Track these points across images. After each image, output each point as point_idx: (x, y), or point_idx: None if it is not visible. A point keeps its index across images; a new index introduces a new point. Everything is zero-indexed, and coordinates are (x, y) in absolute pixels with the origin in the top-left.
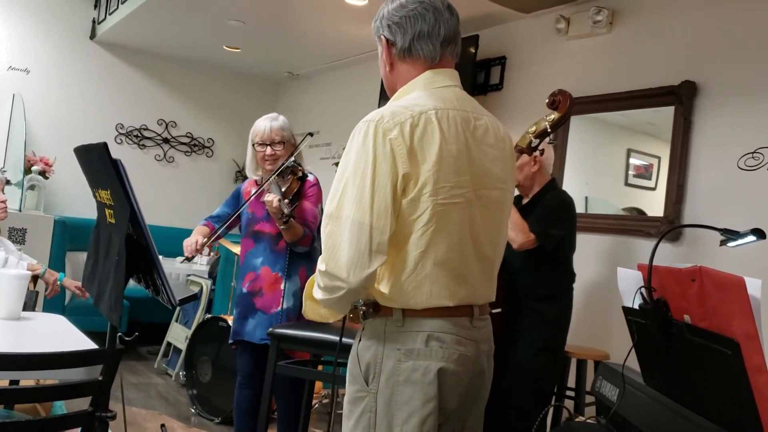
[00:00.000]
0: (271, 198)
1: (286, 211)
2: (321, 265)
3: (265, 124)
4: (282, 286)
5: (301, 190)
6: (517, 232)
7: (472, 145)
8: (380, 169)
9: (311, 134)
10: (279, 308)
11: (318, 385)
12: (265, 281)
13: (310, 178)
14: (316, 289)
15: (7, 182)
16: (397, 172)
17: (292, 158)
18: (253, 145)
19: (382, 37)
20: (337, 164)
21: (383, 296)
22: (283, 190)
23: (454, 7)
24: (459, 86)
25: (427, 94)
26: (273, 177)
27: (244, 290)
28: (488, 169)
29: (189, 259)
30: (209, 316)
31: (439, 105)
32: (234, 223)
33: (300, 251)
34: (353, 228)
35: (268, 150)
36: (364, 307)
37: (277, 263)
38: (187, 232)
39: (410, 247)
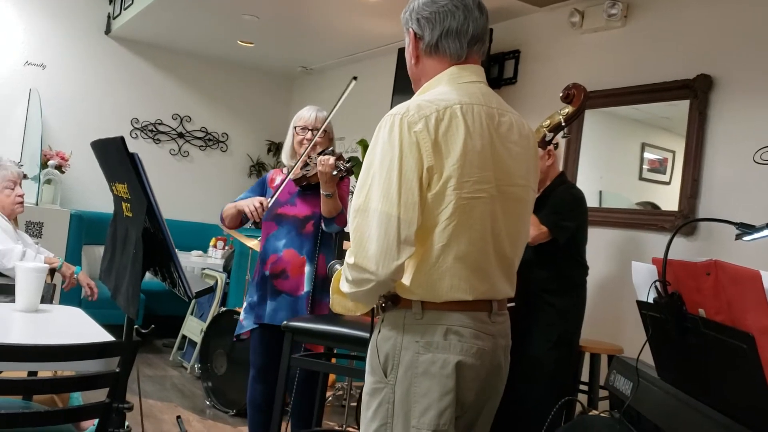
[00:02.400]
0: (327, 156)
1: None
2: (349, 258)
3: (311, 112)
4: (306, 269)
5: (343, 177)
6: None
7: (496, 141)
8: (407, 162)
9: (355, 78)
10: (305, 290)
11: (331, 378)
12: (290, 264)
13: None
14: (343, 283)
15: (24, 176)
16: (423, 164)
17: (330, 148)
18: (294, 128)
19: (411, 30)
20: (350, 158)
21: (404, 288)
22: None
23: (485, 6)
24: (484, 82)
25: (452, 88)
26: (317, 156)
27: (266, 273)
28: (511, 166)
29: (257, 223)
30: (224, 309)
31: (464, 100)
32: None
33: (333, 230)
34: (381, 220)
35: (309, 134)
36: (383, 300)
37: (303, 247)
38: (202, 226)
39: (433, 240)
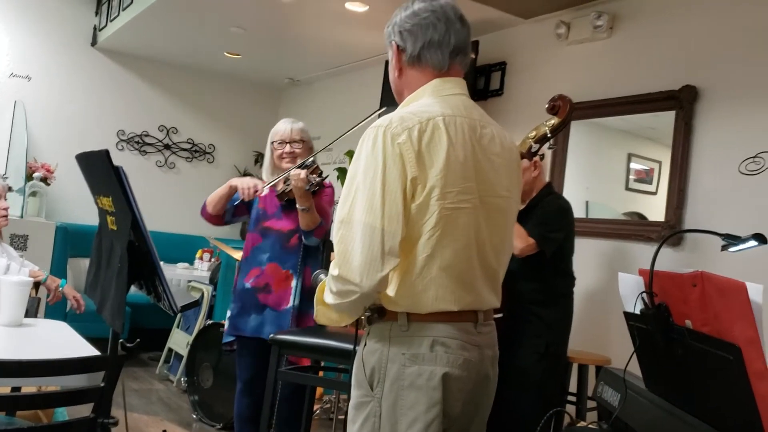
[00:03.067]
0: (298, 171)
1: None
2: (333, 269)
3: (286, 125)
4: (293, 284)
5: (317, 191)
6: (516, 238)
7: (479, 153)
8: (390, 173)
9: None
10: (289, 305)
11: (319, 391)
12: (273, 278)
13: (326, 181)
14: (327, 294)
15: (9, 189)
16: (406, 176)
17: (311, 158)
18: (272, 143)
19: (393, 42)
20: (338, 169)
21: (389, 299)
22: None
23: (466, 19)
24: (466, 95)
25: (435, 100)
26: (294, 168)
27: (247, 285)
28: (493, 177)
29: (244, 202)
30: (210, 322)
31: (447, 112)
32: (242, 211)
33: (312, 243)
34: (365, 232)
35: (287, 148)
36: (368, 312)
37: (287, 261)
38: (188, 238)
39: (417, 251)
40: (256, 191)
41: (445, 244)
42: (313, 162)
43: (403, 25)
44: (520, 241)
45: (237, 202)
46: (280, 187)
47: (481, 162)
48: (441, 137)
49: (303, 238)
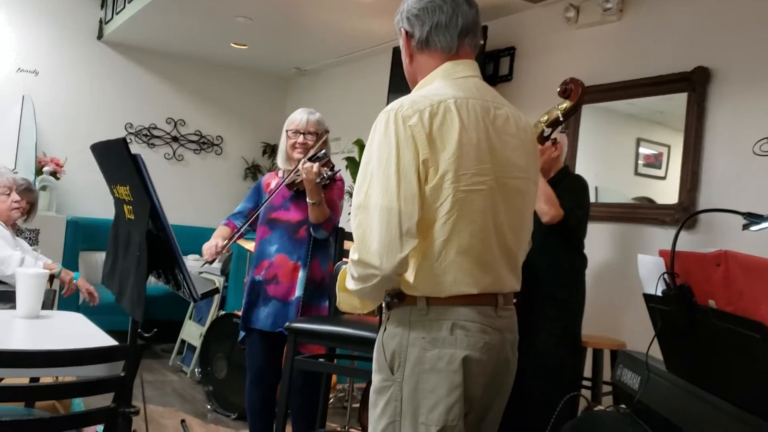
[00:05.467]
0: (310, 164)
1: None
2: (353, 254)
3: (303, 115)
4: (299, 275)
5: (328, 184)
6: (550, 205)
7: (492, 134)
8: (404, 155)
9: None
10: (295, 296)
11: (332, 379)
12: (281, 269)
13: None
14: (349, 280)
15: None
16: (419, 157)
17: (323, 151)
18: (286, 131)
19: (402, 29)
20: (347, 158)
21: (408, 284)
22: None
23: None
24: (479, 77)
25: (447, 84)
26: (305, 159)
27: (258, 278)
28: (509, 158)
29: (210, 263)
30: (223, 312)
31: (458, 94)
32: (255, 220)
33: (321, 236)
34: (382, 215)
35: (301, 138)
36: (388, 298)
37: (295, 252)
38: (198, 230)
39: (434, 235)
40: (217, 252)
41: (461, 227)
42: (325, 155)
43: (411, 11)
44: (551, 207)
45: (248, 220)
46: (291, 177)
47: (496, 143)
48: (453, 120)
49: (312, 231)
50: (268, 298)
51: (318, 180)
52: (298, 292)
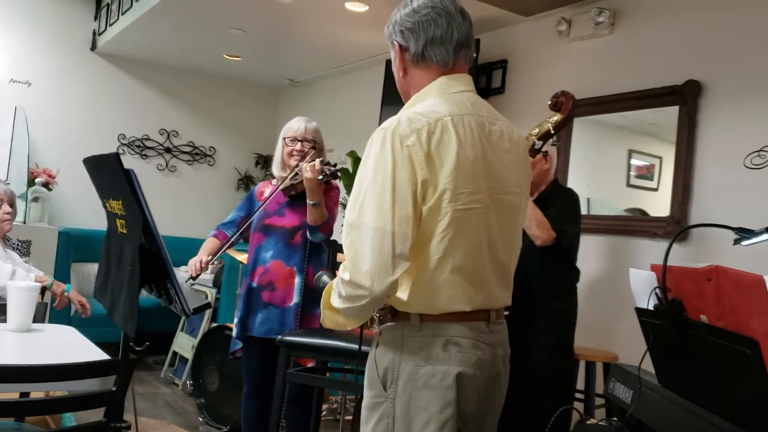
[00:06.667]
0: (312, 162)
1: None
2: (344, 274)
3: (300, 123)
4: (296, 281)
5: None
6: (542, 229)
7: (488, 150)
8: (400, 176)
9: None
10: (293, 302)
11: (325, 392)
12: (277, 275)
13: (333, 182)
14: (335, 298)
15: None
16: (417, 179)
17: (320, 159)
18: (283, 139)
19: (395, 42)
20: (340, 170)
21: (401, 302)
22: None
23: (467, 12)
24: (473, 91)
25: (441, 100)
26: (303, 164)
27: (253, 285)
28: (503, 174)
29: (194, 278)
30: (215, 324)
31: (454, 111)
32: (247, 229)
33: (318, 240)
34: (375, 236)
35: (298, 146)
36: (379, 313)
37: (291, 258)
38: (190, 241)
39: (429, 253)
40: (201, 268)
41: (456, 245)
42: (323, 159)
43: (404, 24)
44: (543, 231)
45: (239, 230)
46: (287, 182)
47: (491, 159)
48: (450, 138)
49: (309, 234)
50: (263, 304)
51: (321, 176)
52: (295, 298)
